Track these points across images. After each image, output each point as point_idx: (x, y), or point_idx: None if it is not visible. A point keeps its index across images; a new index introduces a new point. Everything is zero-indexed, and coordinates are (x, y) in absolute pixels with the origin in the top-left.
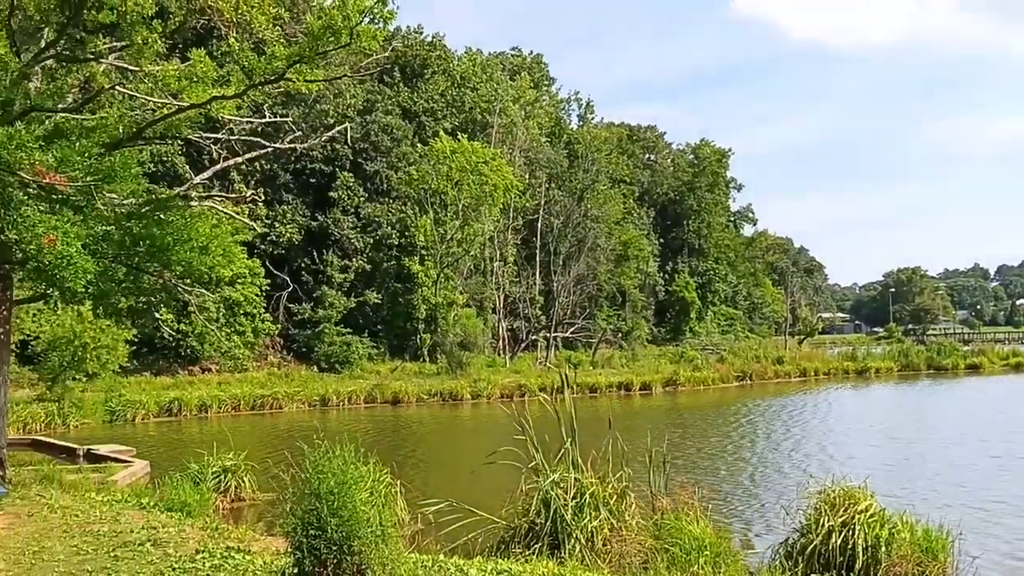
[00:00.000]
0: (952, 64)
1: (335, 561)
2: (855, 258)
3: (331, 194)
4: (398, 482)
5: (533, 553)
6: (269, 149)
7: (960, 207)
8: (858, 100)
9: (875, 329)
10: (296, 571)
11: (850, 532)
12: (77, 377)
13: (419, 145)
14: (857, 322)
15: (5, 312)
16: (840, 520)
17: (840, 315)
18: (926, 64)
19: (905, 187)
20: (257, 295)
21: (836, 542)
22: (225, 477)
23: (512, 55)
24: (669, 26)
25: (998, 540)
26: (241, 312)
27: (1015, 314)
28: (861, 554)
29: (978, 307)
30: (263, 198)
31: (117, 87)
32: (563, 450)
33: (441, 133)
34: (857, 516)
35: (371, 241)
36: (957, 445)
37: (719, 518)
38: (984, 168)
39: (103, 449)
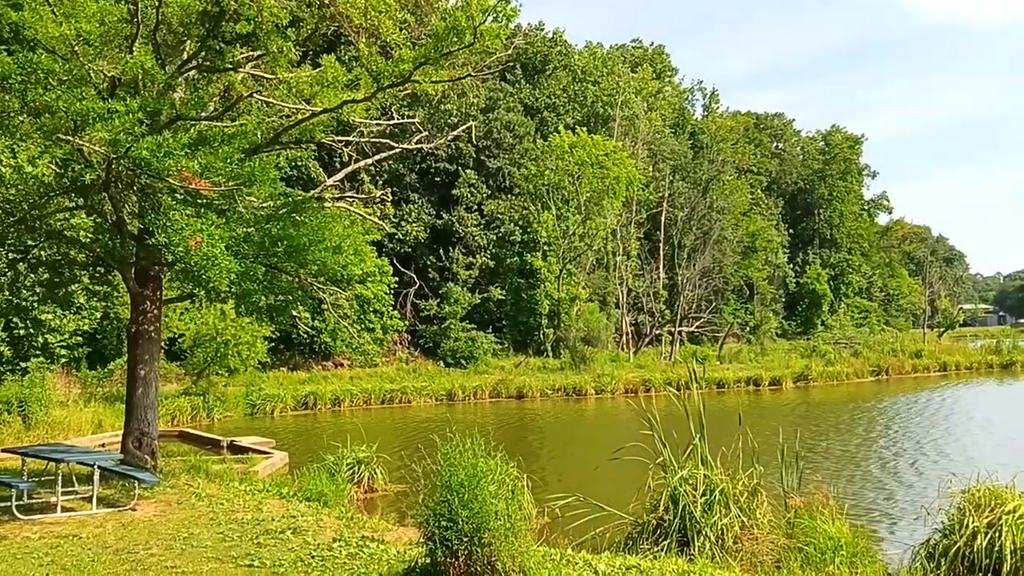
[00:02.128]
0: None
1: (466, 552)
2: (999, 246)
3: (455, 192)
4: (525, 476)
5: (661, 550)
6: (397, 150)
7: None
8: (996, 76)
9: (1021, 320)
10: (428, 561)
11: (996, 534)
12: (220, 372)
13: (540, 141)
14: (1001, 313)
15: (156, 311)
16: (986, 521)
17: (983, 306)
18: None
19: None
20: (386, 293)
21: (981, 544)
22: (359, 468)
23: (633, 47)
24: (791, 11)
25: None
26: (371, 309)
27: None
28: (1009, 556)
29: None
30: (391, 198)
31: (254, 95)
32: (691, 446)
33: (560, 128)
34: (1004, 517)
35: (494, 238)
36: None
37: (855, 517)
38: None
39: (245, 441)
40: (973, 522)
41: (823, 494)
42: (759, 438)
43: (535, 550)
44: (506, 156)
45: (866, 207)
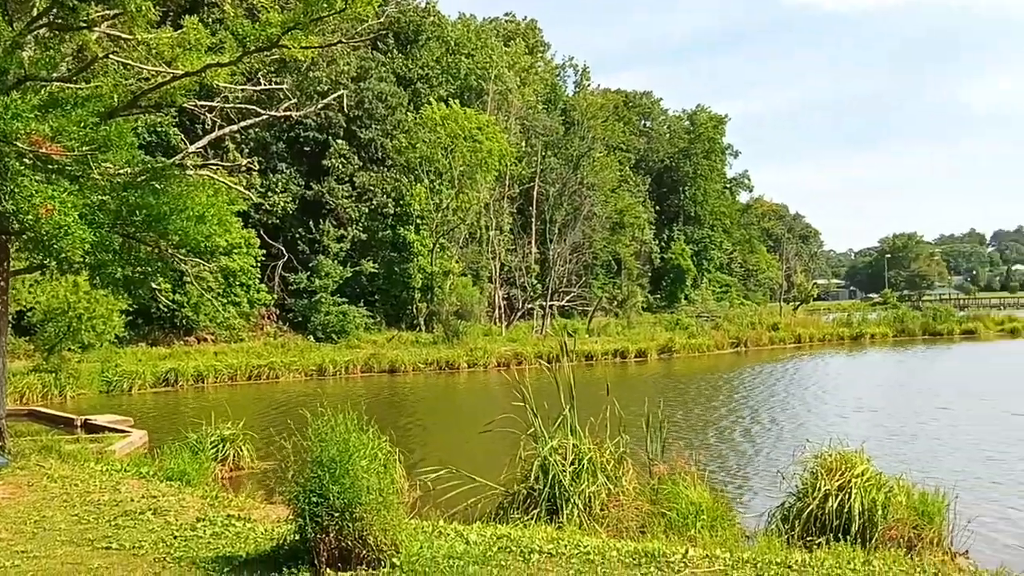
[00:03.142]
0: (941, 28)
1: (337, 528)
2: (850, 224)
3: (325, 163)
4: (397, 450)
5: (532, 518)
6: (264, 117)
7: (957, 172)
8: (853, 64)
9: (870, 295)
10: (298, 538)
11: (846, 496)
12: (73, 348)
13: (413, 113)
14: (852, 288)
15: (2, 283)
16: (837, 484)
17: (835, 281)
18: (919, 26)
19: (901, 152)
20: (253, 265)
21: (832, 506)
22: (223, 446)
23: (506, 21)
24: None
25: (994, 503)
26: (237, 282)
27: (1011, 279)
28: (857, 517)
29: (974, 273)
30: (257, 167)
31: (111, 56)
32: (561, 417)
33: (433, 100)
34: (854, 480)
35: (366, 210)
36: (954, 409)
37: (715, 483)
38: (982, 132)
39: (101, 419)
40: (825, 485)
41: (685, 461)
42: (626, 409)
43: (407, 523)
44: (378, 127)
45: (728, 185)
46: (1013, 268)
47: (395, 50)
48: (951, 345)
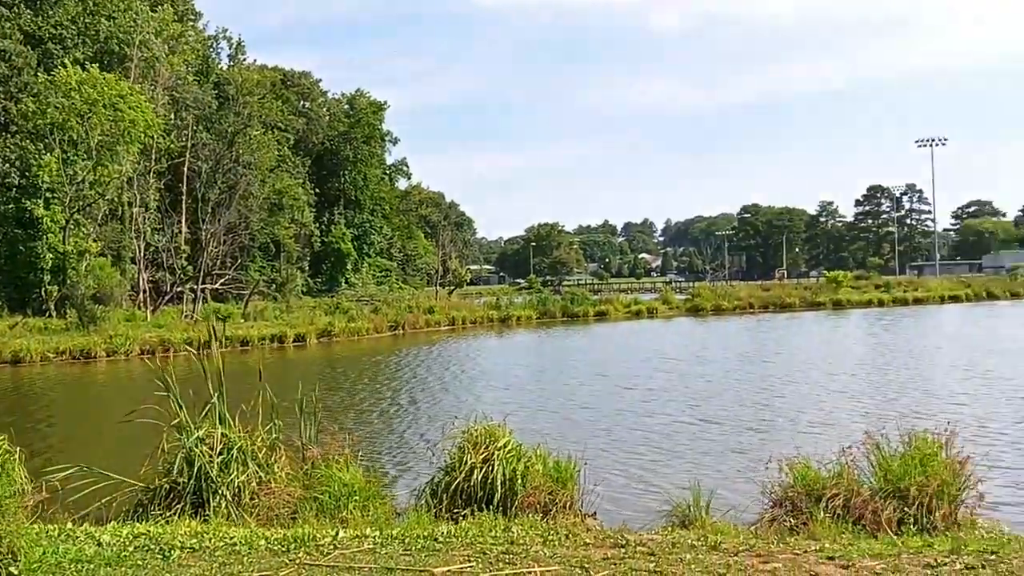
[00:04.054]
0: (592, 31)
1: None
2: (501, 214)
3: None
4: (18, 449)
5: (174, 514)
6: None
7: (597, 168)
8: (511, 60)
9: (518, 280)
10: None
11: (490, 468)
12: None
13: (43, 75)
14: (502, 274)
15: None
16: (481, 457)
17: (487, 267)
18: (571, 27)
19: (550, 147)
20: None
21: (478, 478)
22: None
23: None
24: None
25: (620, 464)
26: None
27: (637, 266)
28: (500, 487)
29: (607, 260)
30: None
31: None
32: (209, 405)
33: (68, 63)
34: (497, 452)
35: None
36: (590, 383)
37: (371, 463)
38: (623, 132)
39: None
40: (471, 459)
41: (338, 443)
42: (282, 395)
43: (27, 528)
44: (1, 88)
45: (388, 172)
46: (639, 256)
47: (22, 4)
48: (587, 326)
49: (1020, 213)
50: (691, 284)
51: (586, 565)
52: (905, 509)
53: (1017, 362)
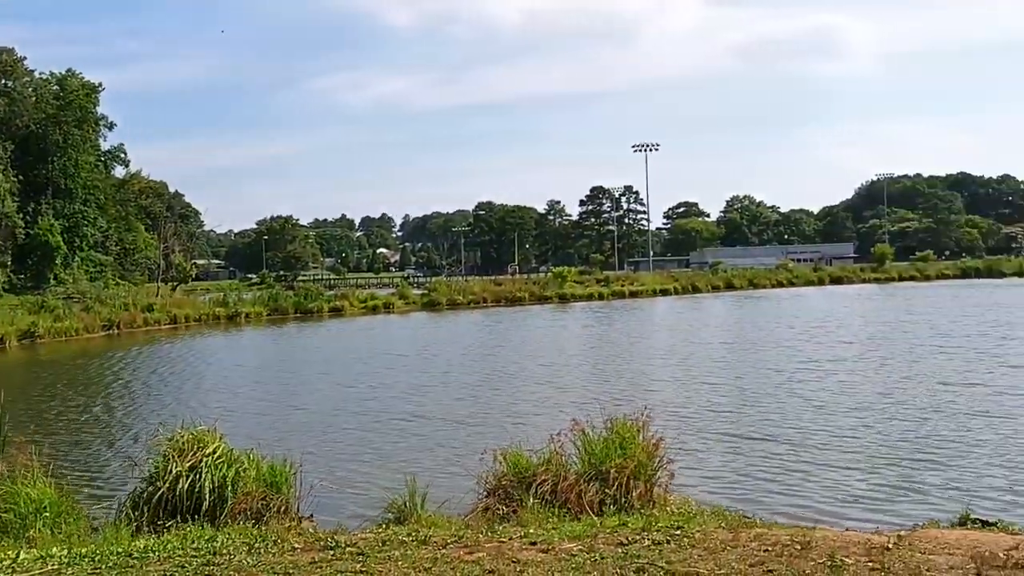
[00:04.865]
0: (327, 23)
1: None
2: (232, 206)
3: None
4: None
5: None
6: None
7: (335, 161)
8: (247, 47)
9: (249, 275)
10: None
11: (198, 476)
12: None
13: None
14: (232, 269)
15: None
16: (188, 464)
17: (215, 262)
18: (312, 16)
19: (282, 138)
20: None
21: (184, 487)
22: None
23: None
24: None
25: (339, 464)
26: None
27: (376, 261)
28: (208, 495)
29: (344, 255)
30: None
31: None
32: None
33: None
34: (205, 459)
35: None
36: (314, 382)
37: (68, 476)
38: (362, 125)
39: None
40: (176, 467)
41: (27, 456)
42: None
43: None
44: None
45: (103, 159)
46: (378, 251)
47: None
48: (320, 323)
49: (721, 214)
50: (428, 279)
51: (291, 571)
52: (606, 490)
53: (708, 352)
